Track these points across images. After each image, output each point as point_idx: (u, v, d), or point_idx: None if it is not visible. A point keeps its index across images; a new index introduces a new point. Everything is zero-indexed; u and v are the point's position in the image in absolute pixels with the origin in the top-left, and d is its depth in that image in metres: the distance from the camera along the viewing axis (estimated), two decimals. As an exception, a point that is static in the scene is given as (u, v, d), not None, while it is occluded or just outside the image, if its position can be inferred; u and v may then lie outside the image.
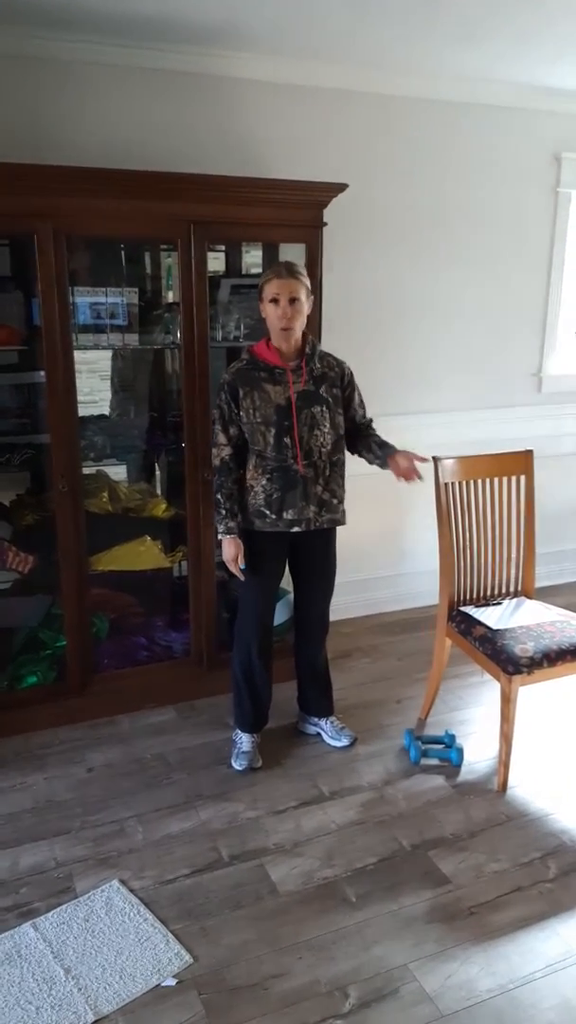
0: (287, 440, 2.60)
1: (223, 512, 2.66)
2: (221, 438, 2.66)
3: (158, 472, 3.53)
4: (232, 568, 2.69)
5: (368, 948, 2.08)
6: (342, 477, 2.75)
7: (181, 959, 2.05)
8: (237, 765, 2.83)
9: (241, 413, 2.62)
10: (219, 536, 2.71)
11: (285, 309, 2.53)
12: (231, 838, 2.50)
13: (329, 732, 3.00)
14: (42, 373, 2.79)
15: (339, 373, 2.70)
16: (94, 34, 2.92)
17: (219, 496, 2.67)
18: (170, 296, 3.24)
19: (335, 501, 2.73)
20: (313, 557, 2.81)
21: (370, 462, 2.79)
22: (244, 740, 2.89)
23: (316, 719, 3.04)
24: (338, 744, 2.97)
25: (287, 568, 2.87)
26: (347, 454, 2.79)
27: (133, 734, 3.06)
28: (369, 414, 2.85)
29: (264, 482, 2.64)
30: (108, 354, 3.27)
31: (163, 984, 1.98)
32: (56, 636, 3.12)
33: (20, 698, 3.04)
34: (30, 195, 2.60)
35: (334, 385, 2.68)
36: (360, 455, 2.82)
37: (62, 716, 3.09)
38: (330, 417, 2.65)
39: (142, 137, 3.13)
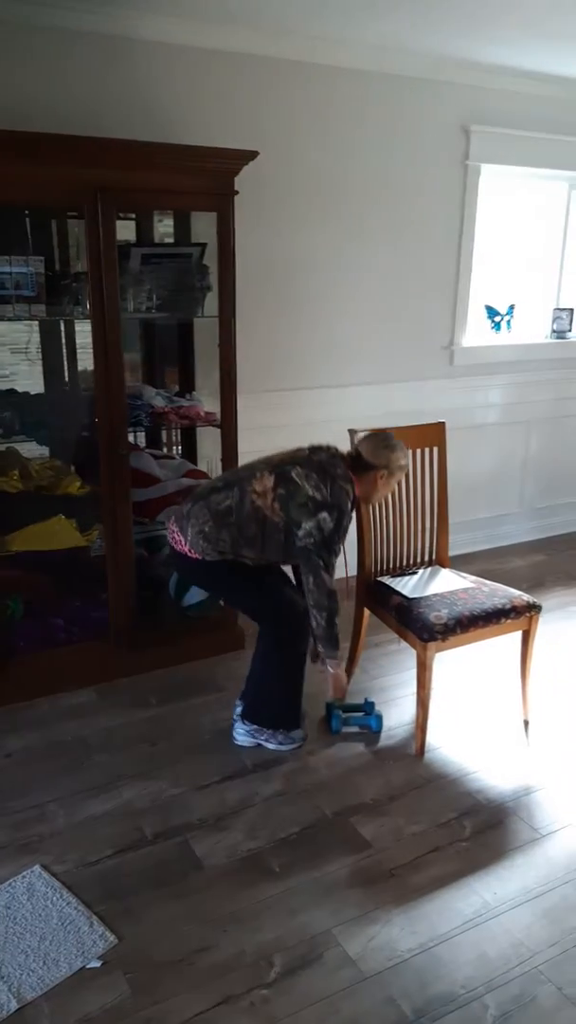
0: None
1: (333, 638, 2.62)
2: (335, 560, 2.60)
3: (71, 448, 3.43)
4: (341, 694, 2.73)
5: (292, 916, 2.12)
6: None
7: (106, 940, 2.04)
8: (298, 739, 2.83)
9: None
10: (331, 667, 2.68)
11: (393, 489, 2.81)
12: (154, 816, 2.49)
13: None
14: (-57, 347, 2.67)
15: None
16: (-11, -14, 2.77)
17: (336, 619, 2.61)
18: (79, 266, 3.13)
19: None
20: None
21: None
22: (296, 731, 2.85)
23: None
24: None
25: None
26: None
27: (52, 717, 3.01)
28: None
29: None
30: (14, 326, 3.15)
31: (88, 966, 1.97)
32: (-32, 620, 3.03)
33: None
34: None
35: None
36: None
37: (-23, 701, 3.01)
38: None
39: (46, 99, 3.00)
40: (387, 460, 2.64)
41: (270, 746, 2.81)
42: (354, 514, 2.73)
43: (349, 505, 2.59)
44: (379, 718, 2.92)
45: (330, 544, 2.54)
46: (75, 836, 2.40)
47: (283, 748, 2.80)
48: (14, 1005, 1.86)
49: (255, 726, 2.82)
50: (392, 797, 2.58)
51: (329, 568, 2.57)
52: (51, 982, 1.93)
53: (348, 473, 2.60)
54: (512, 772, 2.71)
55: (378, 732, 2.91)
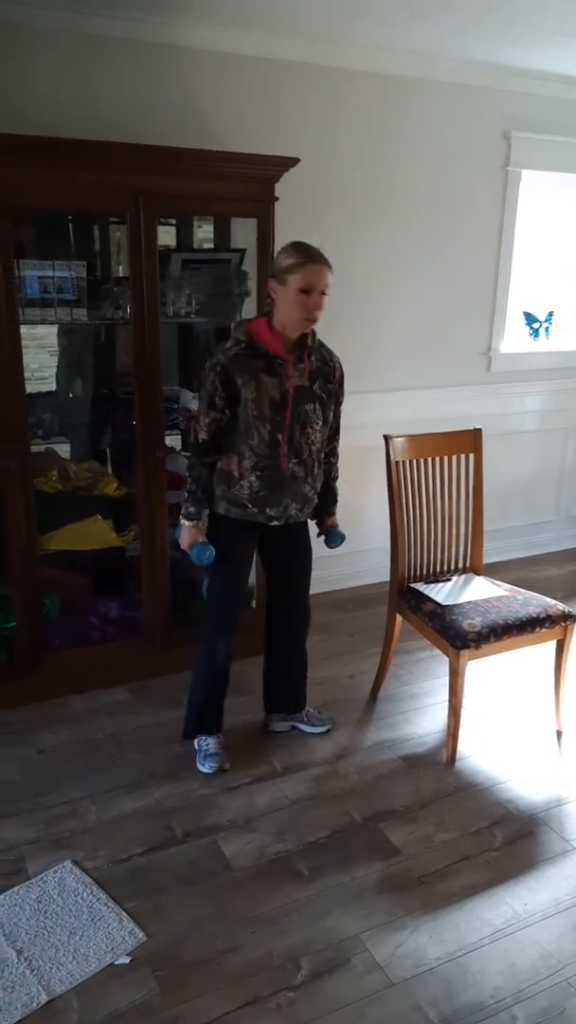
0: (279, 437, 2.44)
1: (187, 495, 2.52)
2: (202, 420, 2.45)
3: (109, 450, 3.48)
4: (185, 546, 2.56)
5: (320, 920, 2.12)
6: (323, 472, 2.65)
7: (135, 937, 2.06)
8: (206, 768, 2.70)
9: (240, 403, 2.41)
10: (181, 519, 2.55)
11: (317, 301, 2.34)
12: (184, 815, 2.51)
13: (307, 722, 2.95)
14: (-13, 349, 2.72)
15: (332, 368, 2.56)
16: (39, -3, 2.83)
17: (189, 477, 2.52)
18: (120, 270, 3.18)
19: (316, 496, 2.64)
20: (291, 546, 2.69)
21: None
22: (210, 742, 2.75)
23: (290, 715, 2.95)
24: (319, 730, 2.94)
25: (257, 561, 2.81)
26: None
27: (85, 714, 3.04)
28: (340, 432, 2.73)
29: (253, 478, 2.46)
30: (55, 329, 3.20)
31: (116, 963, 1.99)
32: (5, 617, 3.07)
33: (-31, 680, 3.00)
34: (-29, 164, 2.52)
35: (328, 380, 2.54)
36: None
37: (12, 697, 3.05)
38: (322, 414, 2.52)
39: (91, 106, 3.05)
40: (271, 269, 2.40)
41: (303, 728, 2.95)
42: (248, 374, 2.40)
43: (222, 356, 2.39)
44: None
45: (199, 398, 2.46)
46: (106, 833, 2.43)
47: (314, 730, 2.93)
48: (44, 998, 1.89)
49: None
50: (422, 804, 2.57)
51: (196, 419, 2.47)
52: (80, 977, 1.95)
53: (243, 323, 2.47)
54: (544, 783, 2.69)
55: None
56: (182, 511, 2.55)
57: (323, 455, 2.61)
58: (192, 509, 2.53)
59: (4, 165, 2.55)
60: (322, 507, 2.74)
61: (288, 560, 2.74)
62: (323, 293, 2.35)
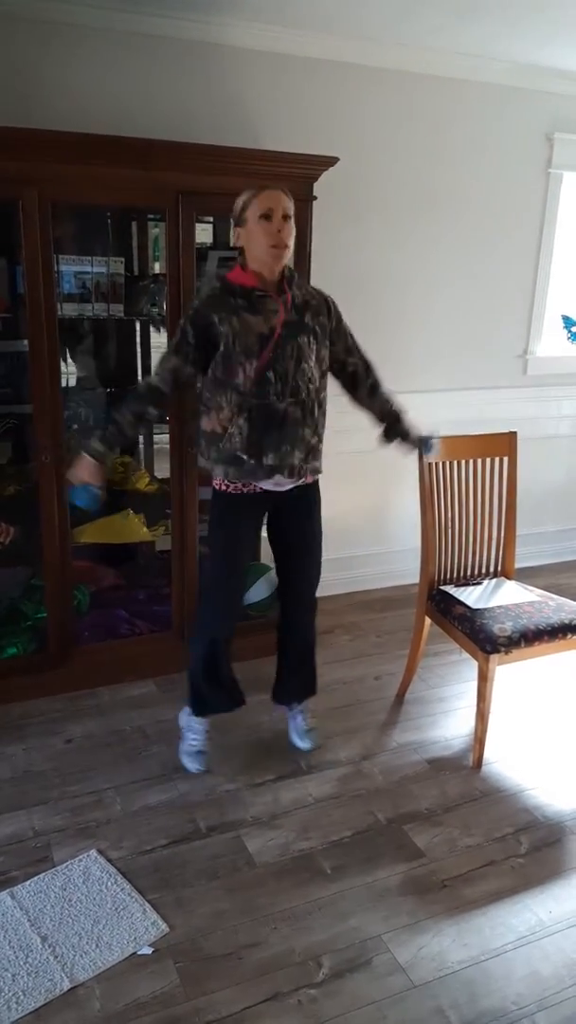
0: (270, 374, 2.27)
1: (103, 431, 2.38)
2: (160, 366, 2.37)
3: (142, 445, 3.51)
4: (75, 480, 2.41)
5: (342, 919, 2.11)
6: (325, 417, 2.46)
7: (157, 928, 2.07)
8: (191, 766, 2.68)
9: (220, 344, 2.27)
10: (83, 453, 2.37)
11: (279, 224, 2.21)
12: (209, 810, 2.51)
13: (298, 728, 2.85)
14: (25, 342, 2.76)
15: (321, 301, 2.40)
16: (84, -5, 2.86)
17: (115, 414, 2.38)
18: (157, 267, 3.20)
19: (320, 446, 2.45)
20: (300, 523, 2.55)
21: (376, 420, 2.63)
22: (198, 736, 2.71)
23: (291, 707, 2.87)
24: (303, 745, 2.82)
25: (267, 541, 2.70)
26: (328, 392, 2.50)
27: (113, 706, 3.07)
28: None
29: (242, 422, 2.29)
30: (93, 324, 3.23)
31: (139, 953, 2.00)
32: (37, 608, 3.11)
33: (-1, 669, 3.04)
34: (15, 160, 2.54)
35: (319, 314, 2.37)
36: (362, 407, 2.60)
37: (42, 688, 3.09)
38: (316, 349, 2.35)
39: (132, 104, 3.07)
40: (233, 222, 2.32)
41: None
42: (226, 311, 2.29)
43: (196, 301, 2.37)
44: None
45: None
46: (131, 824, 2.44)
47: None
48: (67, 985, 1.91)
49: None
50: (447, 808, 2.56)
51: (155, 370, 2.39)
52: (103, 965, 1.96)
53: (220, 272, 2.39)
54: (572, 791, 2.65)
55: None
56: (85, 446, 2.37)
57: (326, 395, 2.45)
58: (100, 447, 2.36)
59: (48, 161, 2.58)
60: (395, 429, 2.62)
61: (291, 536, 2.58)
62: (286, 217, 2.24)
